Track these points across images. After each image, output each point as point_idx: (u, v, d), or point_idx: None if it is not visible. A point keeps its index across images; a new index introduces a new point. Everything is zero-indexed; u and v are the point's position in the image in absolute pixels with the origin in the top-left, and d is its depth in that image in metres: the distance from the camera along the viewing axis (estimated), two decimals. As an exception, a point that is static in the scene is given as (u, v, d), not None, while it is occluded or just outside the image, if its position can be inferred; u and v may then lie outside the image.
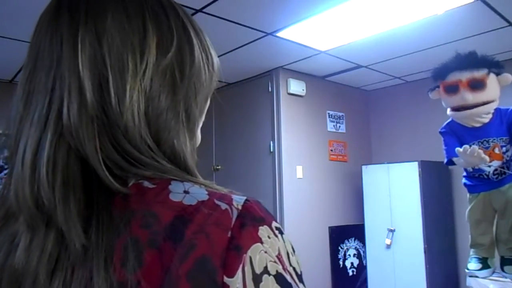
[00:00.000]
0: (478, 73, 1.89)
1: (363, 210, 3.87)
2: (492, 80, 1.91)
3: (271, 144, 3.74)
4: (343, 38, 3.06)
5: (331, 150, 4.10)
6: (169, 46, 0.46)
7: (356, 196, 4.12)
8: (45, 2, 0.46)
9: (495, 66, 1.93)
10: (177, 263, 0.35)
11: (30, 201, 0.38)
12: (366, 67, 3.78)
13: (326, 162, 4.03)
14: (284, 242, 0.39)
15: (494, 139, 1.95)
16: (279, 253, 0.38)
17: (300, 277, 0.39)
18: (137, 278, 0.34)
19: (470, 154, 1.80)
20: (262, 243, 0.37)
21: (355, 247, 4.09)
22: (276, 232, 0.39)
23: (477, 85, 1.88)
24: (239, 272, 0.35)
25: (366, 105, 4.61)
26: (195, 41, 0.49)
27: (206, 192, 0.40)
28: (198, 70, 0.48)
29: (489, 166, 1.93)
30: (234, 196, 0.40)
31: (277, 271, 0.37)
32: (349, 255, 4.04)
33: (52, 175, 0.38)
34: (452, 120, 2.06)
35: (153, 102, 0.43)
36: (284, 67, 3.75)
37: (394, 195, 3.65)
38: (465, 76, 1.90)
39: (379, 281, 3.69)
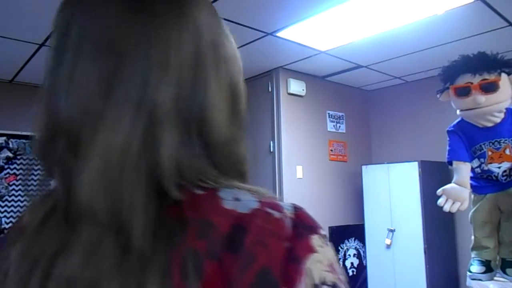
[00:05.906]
0: (490, 76, 1.85)
1: (363, 210, 3.87)
2: (504, 81, 1.87)
3: (271, 144, 3.74)
4: (343, 38, 3.06)
5: (331, 150, 4.10)
6: (235, 60, 0.49)
7: (356, 196, 4.12)
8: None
9: (506, 66, 1.90)
10: (238, 275, 0.34)
11: (107, 200, 0.35)
12: (366, 67, 3.78)
13: (326, 162, 4.03)
14: (331, 250, 0.39)
15: (506, 140, 1.90)
16: (331, 262, 0.38)
17: (346, 285, 0.39)
18: None
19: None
20: (317, 252, 0.37)
21: (355, 247, 4.09)
22: (325, 240, 0.39)
23: (489, 88, 1.84)
24: (299, 284, 0.35)
25: (366, 105, 4.61)
26: (240, 61, 0.52)
27: (255, 199, 0.39)
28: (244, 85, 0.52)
29: (499, 167, 1.91)
30: (281, 203, 0.39)
31: (333, 281, 0.37)
32: (349, 255, 4.04)
33: (136, 173, 0.36)
34: (462, 120, 2.00)
35: (226, 109, 0.45)
36: (284, 67, 3.75)
37: (394, 195, 3.65)
38: (476, 79, 1.86)
39: (379, 281, 3.69)
